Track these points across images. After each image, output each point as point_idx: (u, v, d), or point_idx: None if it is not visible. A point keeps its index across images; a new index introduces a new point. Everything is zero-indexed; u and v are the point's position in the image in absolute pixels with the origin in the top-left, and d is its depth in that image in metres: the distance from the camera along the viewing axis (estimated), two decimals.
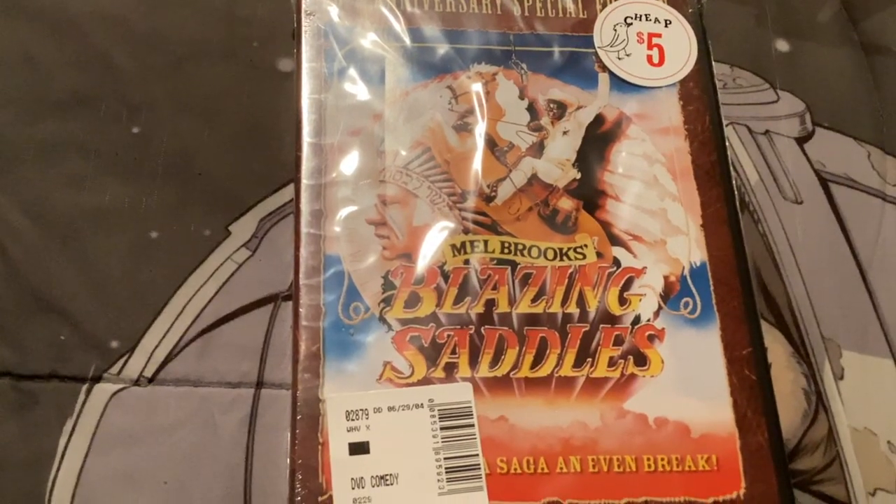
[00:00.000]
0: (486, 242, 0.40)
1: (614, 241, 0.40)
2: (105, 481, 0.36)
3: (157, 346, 0.39)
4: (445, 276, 0.39)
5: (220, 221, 0.42)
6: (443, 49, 0.43)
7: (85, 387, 0.38)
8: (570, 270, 0.39)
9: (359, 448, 0.34)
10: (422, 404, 0.36)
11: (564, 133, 0.43)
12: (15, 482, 0.35)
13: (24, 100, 0.43)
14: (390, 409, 0.35)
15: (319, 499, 0.34)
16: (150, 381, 0.38)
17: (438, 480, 0.34)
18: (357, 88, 0.42)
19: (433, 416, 0.36)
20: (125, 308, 0.39)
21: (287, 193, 0.42)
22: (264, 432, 0.38)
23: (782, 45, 0.50)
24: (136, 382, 0.38)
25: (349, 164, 0.40)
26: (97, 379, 0.38)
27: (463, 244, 0.39)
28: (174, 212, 0.41)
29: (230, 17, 0.46)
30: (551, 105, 0.43)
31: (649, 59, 0.45)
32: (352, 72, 0.42)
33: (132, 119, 0.43)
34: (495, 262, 0.39)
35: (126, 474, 0.36)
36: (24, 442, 0.36)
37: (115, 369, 0.38)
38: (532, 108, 0.43)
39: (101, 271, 0.40)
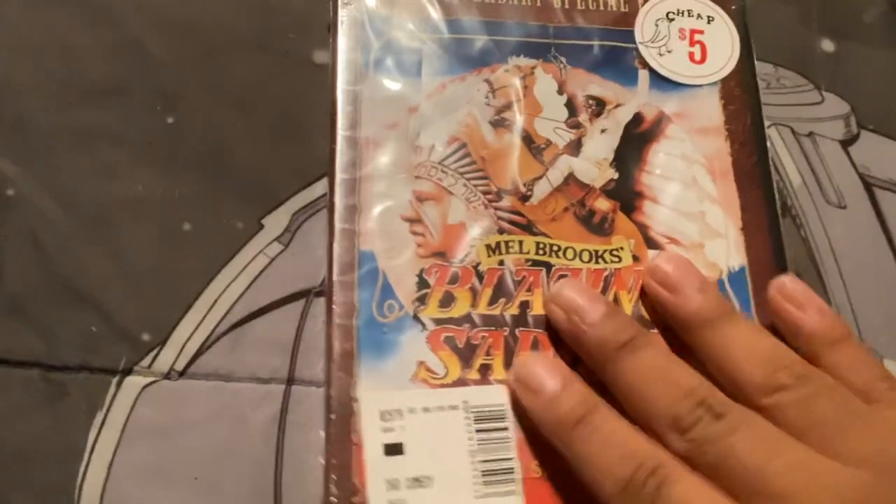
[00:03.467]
0: (521, 243, 0.39)
1: (651, 243, 0.40)
2: (135, 476, 0.36)
3: (188, 340, 0.38)
4: (480, 277, 0.38)
5: (252, 214, 0.41)
6: (481, 41, 0.43)
7: (115, 379, 0.37)
8: (605, 273, 0.39)
9: (393, 449, 0.34)
10: (457, 406, 0.35)
11: (602, 131, 0.42)
12: (44, 475, 0.35)
13: (57, 87, 0.43)
14: (425, 409, 0.35)
15: (353, 499, 0.33)
16: (181, 374, 0.38)
17: (474, 483, 0.34)
18: (393, 81, 0.41)
19: (468, 418, 0.35)
20: (157, 300, 0.39)
21: (321, 187, 0.42)
22: (294, 430, 0.37)
23: (827, 46, 0.49)
24: (167, 376, 0.38)
25: (384, 158, 0.40)
26: (128, 371, 0.37)
27: (498, 244, 0.39)
28: (207, 204, 0.41)
29: (265, 7, 0.46)
30: (590, 101, 0.42)
31: (691, 56, 0.44)
32: (388, 63, 0.42)
33: (166, 108, 0.43)
34: (530, 263, 0.39)
35: (156, 469, 0.36)
36: (53, 434, 0.36)
37: (145, 362, 0.38)
38: (570, 105, 0.42)
39: (133, 262, 0.39)
